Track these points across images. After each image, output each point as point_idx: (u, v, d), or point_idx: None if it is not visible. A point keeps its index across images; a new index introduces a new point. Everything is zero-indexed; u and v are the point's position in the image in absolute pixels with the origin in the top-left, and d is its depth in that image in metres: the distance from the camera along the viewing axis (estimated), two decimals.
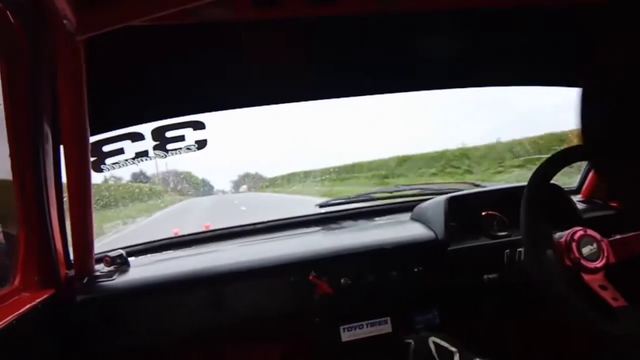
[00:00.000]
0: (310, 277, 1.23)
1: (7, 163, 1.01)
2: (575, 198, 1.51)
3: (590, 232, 1.09)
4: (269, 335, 1.34)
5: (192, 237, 1.61)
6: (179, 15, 0.91)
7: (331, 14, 1.05)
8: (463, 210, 1.39)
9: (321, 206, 1.65)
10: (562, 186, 1.44)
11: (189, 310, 1.21)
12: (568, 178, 1.69)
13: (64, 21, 0.86)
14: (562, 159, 1.07)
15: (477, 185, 1.70)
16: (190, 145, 1.28)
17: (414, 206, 1.54)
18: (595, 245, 1.07)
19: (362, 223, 1.65)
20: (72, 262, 1.21)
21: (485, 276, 1.26)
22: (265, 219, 1.68)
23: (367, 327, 1.29)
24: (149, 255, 1.47)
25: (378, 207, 1.75)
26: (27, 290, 1.05)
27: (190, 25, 1.02)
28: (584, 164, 1.60)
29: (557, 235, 1.11)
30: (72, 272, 1.21)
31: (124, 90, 1.21)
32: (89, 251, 1.22)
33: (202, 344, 1.27)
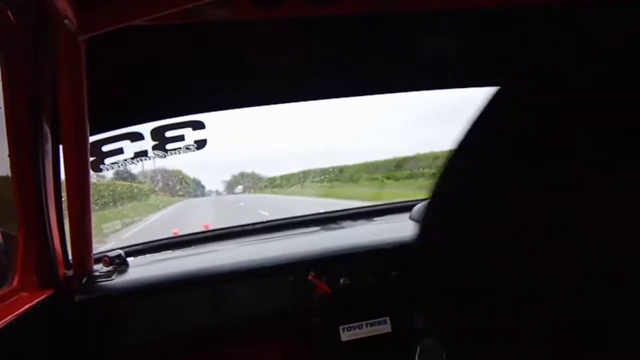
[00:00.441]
0: (309, 277, 1.23)
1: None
2: None
3: None
4: (268, 335, 1.34)
5: (191, 237, 1.61)
6: (179, 15, 0.91)
7: (331, 14, 1.06)
8: None
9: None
10: None
11: (188, 310, 1.21)
12: None
13: (65, 21, 0.86)
14: None
15: None
16: (189, 145, 1.28)
17: (413, 206, 1.54)
18: None
19: (361, 223, 1.65)
20: (71, 262, 1.21)
21: None
22: (265, 219, 1.68)
23: (366, 327, 1.29)
24: (147, 256, 1.46)
25: (377, 207, 1.76)
26: (26, 290, 1.05)
27: (190, 25, 1.03)
28: None
29: None
30: (70, 272, 1.20)
31: (124, 90, 1.21)
32: (87, 251, 1.21)
33: (201, 344, 1.27)
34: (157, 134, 1.24)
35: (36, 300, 1.01)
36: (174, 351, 1.27)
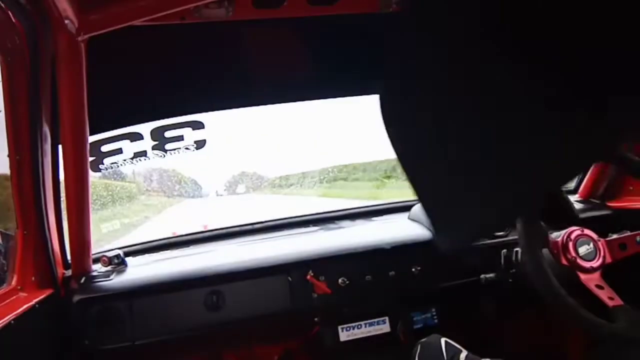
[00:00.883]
0: (308, 277, 1.23)
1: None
2: (573, 198, 1.52)
3: (587, 231, 1.10)
4: (267, 335, 1.34)
5: (189, 237, 1.61)
6: (179, 15, 0.91)
7: (331, 14, 1.06)
8: None
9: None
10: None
11: (186, 311, 1.21)
12: None
13: (66, 21, 0.86)
14: None
15: None
16: (189, 145, 1.28)
17: (411, 206, 1.55)
18: (591, 245, 1.09)
19: (360, 223, 1.65)
20: (70, 262, 1.21)
21: (482, 276, 1.27)
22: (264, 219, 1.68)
23: (365, 326, 1.30)
24: (146, 255, 1.46)
25: (376, 207, 1.76)
26: (24, 290, 1.05)
27: (190, 25, 1.03)
28: None
29: (554, 235, 1.12)
30: (69, 272, 1.20)
31: (123, 90, 1.21)
32: (86, 251, 1.21)
33: (201, 344, 1.27)
34: (156, 134, 1.24)
35: (35, 300, 1.01)
36: (172, 351, 1.27)
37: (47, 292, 1.08)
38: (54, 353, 1.09)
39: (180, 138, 1.26)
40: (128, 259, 1.33)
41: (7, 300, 0.98)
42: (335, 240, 1.40)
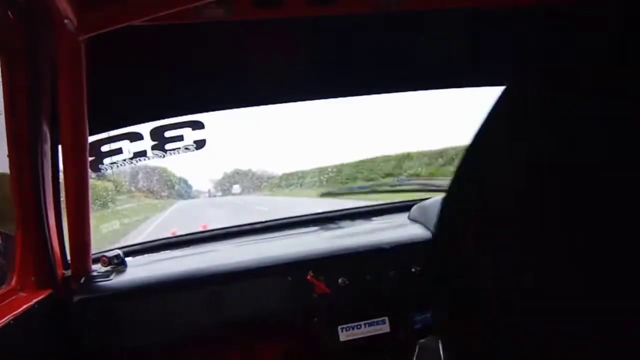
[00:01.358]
0: (308, 277, 1.23)
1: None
2: None
3: None
4: (267, 335, 1.34)
5: (189, 237, 1.61)
6: (179, 15, 0.91)
7: (331, 14, 1.06)
8: None
9: (322, 195, 1.66)
10: None
11: (186, 311, 1.21)
12: None
13: (65, 21, 0.86)
14: None
15: None
16: (188, 145, 1.28)
17: (411, 206, 1.55)
18: None
19: (359, 223, 1.65)
20: (69, 262, 1.21)
21: None
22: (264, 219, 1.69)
23: (365, 327, 1.30)
24: (146, 256, 1.46)
25: (376, 207, 1.76)
26: (24, 291, 1.05)
27: (190, 25, 1.03)
28: None
29: None
30: (69, 272, 1.20)
31: (123, 90, 1.21)
32: (86, 251, 1.21)
33: (200, 344, 1.27)
34: (156, 134, 1.24)
35: (34, 301, 1.01)
36: (172, 351, 1.27)
37: (47, 292, 1.08)
38: (53, 353, 1.09)
39: (180, 138, 1.26)
40: (128, 259, 1.33)
41: (7, 301, 0.98)
42: (335, 240, 1.40)
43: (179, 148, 1.28)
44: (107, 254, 1.29)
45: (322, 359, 1.35)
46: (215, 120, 1.40)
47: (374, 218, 1.70)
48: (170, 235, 1.69)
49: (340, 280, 1.24)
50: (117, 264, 1.29)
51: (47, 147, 1.07)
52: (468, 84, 1.50)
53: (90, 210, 1.17)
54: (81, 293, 1.17)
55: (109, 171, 1.23)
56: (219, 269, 1.23)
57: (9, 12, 0.89)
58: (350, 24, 1.15)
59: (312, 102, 1.50)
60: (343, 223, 1.66)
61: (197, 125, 1.25)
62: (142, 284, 1.20)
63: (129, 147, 1.24)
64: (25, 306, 0.97)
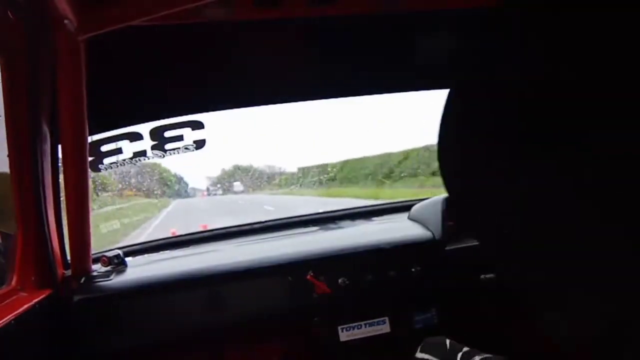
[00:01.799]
0: (308, 277, 1.23)
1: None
2: None
3: None
4: (267, 335, 1.34)
5: (189, 237, 1.61)
6: (180, 15, 0.91)
7: (331, 14, 1.06)
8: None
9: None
10: None
11: (187, 310, 1.21)
12: None
13: (65, 21, 0.86)
14: None
15: None
16: (188, 145, 1.28)
17: (411, 206, 1.55)
18: None
19: (359, 223, 1.65)
20: (69, 262, 1.21)
21: (482, 276, 1.27)
22: (263, 219, 1.69)
23: (365, 326, 1.30)
24: (146, 255, 1.46)
25: (376, 207, 1.76)
26: (24, 290, 1.05)
27: (191, 25, 1.03)
28: None
29: None
30: (69, 272, 1.20)
31: (123, 90, 1.21)
32: (86, 251, 1.21)
33: (200, 344, 1.27)
34: (156, 134, 1.24)
35: (34, 301, 1.01)
36: (172, 351, 1.27)
37: (47, 292, 1.08)
38: (54, 353, 1.09)
39: (179, 138, 1.26)
40: (128, 259, 1.33)
41: (7, 300, 0.98)
42: (335, 240, 1.40)
43: (179, 148, 1.28)
44: (107, 254, 1.29)
45: (323, 358, 1.35)
46: (214, 120, 1.40)
47: (374, 218, 1.70)
48: (169, 235, 1.69)
49: (340, 280, 1.24)
50: (117, 263, 1.29)
51: (47, 147, 1.07)
52: None
53: (90, 210, 1.17)
54: (81, 293, 1.17)
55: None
56: (219, 269, 1.23)
57: (9, 12, 0.89)
58: (350, 24, 1.15)
59: (311, 102, 1.49)
60: (343, 223, 1.66)
61: (197, 125, 1.25)
62: (142, 284, 1.20)
63: (129, 147, 1.24)
64: (25, 306, 0.97)
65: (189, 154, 1.27)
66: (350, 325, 1.29)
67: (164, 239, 1.60)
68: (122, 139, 1.23)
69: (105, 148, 1.20)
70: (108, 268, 1.27)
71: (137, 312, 1.19)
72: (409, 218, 1.52)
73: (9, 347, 0.90)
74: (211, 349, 1.30)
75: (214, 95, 1.34)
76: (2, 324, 0.87)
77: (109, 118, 1.22)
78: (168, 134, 1.25)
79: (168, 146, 1.26)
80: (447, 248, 1.32)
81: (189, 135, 1.27)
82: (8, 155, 1.00)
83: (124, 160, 1.26)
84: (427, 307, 1.36)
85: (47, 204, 1.08)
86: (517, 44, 0.34)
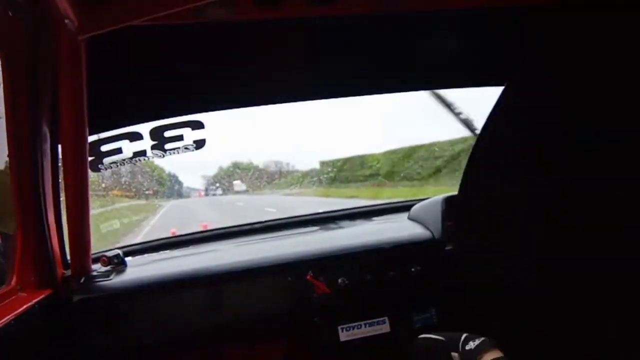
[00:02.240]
0: (308, 277, 1.23)
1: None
2: None
3: None
4: (267, 335, 1.34)
5: (189, 237, 1.61)
6: (180, 15, 0.91)
7: (332, 14, 1.06)
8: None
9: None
10: None
11: (187, 310, 1.21)
12: None
13: (66, 21, 0.86)
14: None
15: None
16: (188, 145, 1.28)
17: (411, 206, 1.55)
18: None
19: (359, 223, 1.65)
20: (69, 262, 1.21)
21: None
22: (264, 219, 1.69)
23: (365, 327, 1.30)
24: (146, 255, 1.46)
25: (376, 207, 1.76)
26: (24, 290, 1.05)
27: (191, 25, 1.03)
28: None
29: None
30: (69, 272, 1.20)
31: (123, 90, 1.21)
32: (85, 251, 1.21)
33: (200, 344, 1.27)
34: (156, 133, 1.24)
35: (34, 300, 1.01)
36: (172, 351, 1.27)
37: (47, 292, 1.08)
38: (53, 353, 1.09)
39: (179, 138, 1.26)
40: (128, 259, 1.33)
41: (7, 300, 0.98)
42: (335, 241, 1.40)
43: (179, 148, 1.27)
44: (107, 253, 1.29)
45: (322, 358, 1.35)
46: (215, 121, 1.40)
47: (374, 218, 1.70)
48: (169, 234, 1.69)
49: (340, 280, 1.24)
50: (117, 263, 1.29)
51: (47, 147, 1.07)
52: (468, 84, 1.50)
53: (90, 210, 1.17)
54: (81, 293, 1.17)
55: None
56: (218, 269, 1.23)
57: (9, 12, 0.89)
58: (350, 24, 1.15)
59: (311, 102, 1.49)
60: (343, 223, 1.66)
61: (197, 125, 1.25)
62: (142, 284, 1.20)
63: (128, 147, 1.24)
64: (25, 306, 0.97)
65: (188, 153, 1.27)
66: (350, 325, 1.29)
67: (164, 238, 1.60)
68: (122, 139, 1.23)
69: (105, 148, 1.20)
70: (108, 268, 1.27)
71: (137, 312, 1.19)
72: (409, 218, 1.52)
73: (8, 347, 0.90)
74: (211, 348, 1.30)
75: (214, 95, 1.34)
76: (1, 324, 0.87)
77: (109, 118, 1.22)
78: (168, 133, 1.25)
79: (168, 146, 1.26)
80: (447, 248, 1.32)
81: (189, 135, 1.27)
82: (8, 155, 1.00)
83: (124, 160, 1.26)
84: (426, 307, 1.36)
85: (47, 203, 1.08)
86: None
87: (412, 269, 1.28)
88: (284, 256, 1.28)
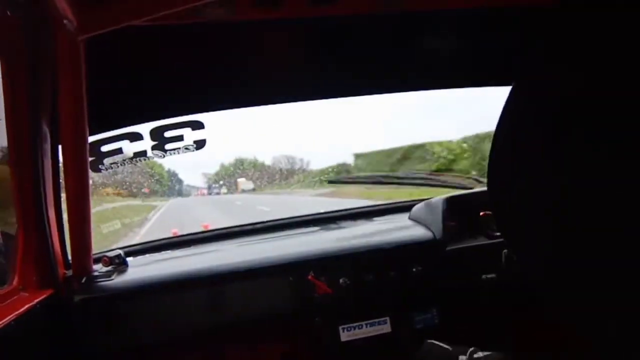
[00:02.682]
0: (309, 277, 1.23)
1: None
2: None
3: None
4: (268, 335, 1.34)
5: (190, 237, 1.61)
6: (180, 15, 0.91)
7: (331, 14, 1.06)
8: (461, 210, 1.40)
9: (330, 182, 1.68)
10: None
11: (188, 311, 1.21)
12: None
13: (65, 21, 0.85)
14: None
15: (479, 181, 1.71)
16: (188, 145, 1.28)
17: (412, 206, 1.55)
18: None
19: (360, 223, 1.65)
20: (71, 262, 1.21)
21: (483, 276, 1.27)
22: (264, 219, 1.69)
23: (366, 327, 1.30)
24: (147, 255, 1.46)
25: (376, 207, 1.76)
26: (25, 291, 1.05)
27: (191, 25, 1.02)
28: None
29: None
30: (70, 272, 1.20)
31: (123, 90, 1.21)
32: (87, 251, 1.21)
33: (201, 344, 1.27)
34: (156, 134, 1.24)
35: (36, 301, 1.01)
36: (173, 351, 1.27)
37: (48, 292, 1.08)
38: (55, 353, 1.09)
39: (180, 138, 1.26)
40: (129, 259, 1.33)
41: (8, 301, 0.98)
42: (336, 241, 1.40)
43: (179, 148, 1.27)
44: (108, 254, 1.29)
45: (324, 359, 1.35)
46: (216, 121, 1.40)
47: (375, 218, 1.70)
48: (171, 235, 1.69)
49: (341, 281, 1.24)
50: (119, 264, 1.29)
51: (47, 147, 1.07)
52: (468, 84, 1.50)
53: (91, 210, 1.18)
54: (82, 293, 1.17)
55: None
56: (220, 269, 1.23)
57: (9, 12, 0.89)
58: (350, 24, 1.15)
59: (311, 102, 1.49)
60: (344, 223, 1.66)
61: (197, 125, 1.25)
62: (144, 284, 1.20)
63: (129, 147, 1.24)
64: (26, 306, 0.97)
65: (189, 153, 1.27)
66: (351, 325, 1.29)
67: (165, 239, 1.61)
68: (122, 139, 1.23)
69: (105, 148, 1.20)
70: (109, 268, 1.27)
71: (138, 312, 1.19)
72: (410, 218, 1.52)
73: (10, 347, 0.90)
74: (212, 348, 1.30)
75: (214, 95, 1.34)
76: (3, 324, 0.87)
77: (109, 118, 1.22)
78: (168, 134, 1.25)
79: (168, 146, 1.26)
80: (448, 248, 1.32)
81: (189, 135, 1.27)
82: (8, 155, 1.00)
83: (125, 160, 1.26)
84: (427, 307, 1.36)
85: (47, 204, 1.08)
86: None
87: (413, 269, 1.28)
88: (285, 256, 1.28)
